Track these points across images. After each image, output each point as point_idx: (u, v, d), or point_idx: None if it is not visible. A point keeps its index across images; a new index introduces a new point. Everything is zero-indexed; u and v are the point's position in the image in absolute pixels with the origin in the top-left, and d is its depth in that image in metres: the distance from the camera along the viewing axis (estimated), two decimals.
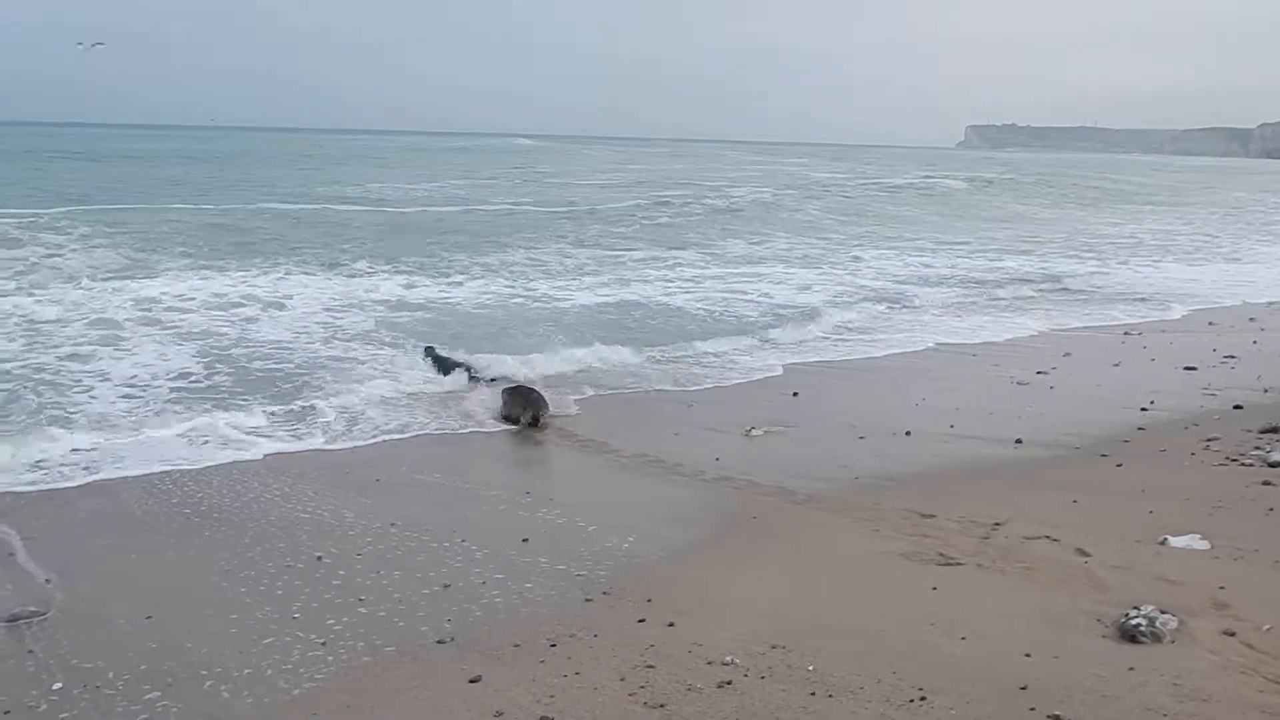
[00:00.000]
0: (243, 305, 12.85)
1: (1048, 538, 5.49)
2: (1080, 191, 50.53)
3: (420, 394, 8.88)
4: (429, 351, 9.94)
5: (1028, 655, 4.16)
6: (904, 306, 14.74)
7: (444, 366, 9.45)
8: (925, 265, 19.74)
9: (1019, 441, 7.59)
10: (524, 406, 7.98)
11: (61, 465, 6.84)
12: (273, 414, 8.14)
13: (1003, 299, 15.66)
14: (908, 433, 7.83)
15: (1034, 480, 6.67)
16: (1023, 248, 23.62)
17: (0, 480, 6.49)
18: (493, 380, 9.00)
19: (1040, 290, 16.72)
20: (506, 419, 8.07)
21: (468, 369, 9.34)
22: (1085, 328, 13.15)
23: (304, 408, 8.36)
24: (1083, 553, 5.26)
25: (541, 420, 7.87)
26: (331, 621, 4.59)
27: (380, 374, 9.44)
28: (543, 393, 8.23)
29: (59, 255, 16.64)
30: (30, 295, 12.94)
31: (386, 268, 16.72)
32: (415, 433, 7.90)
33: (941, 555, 5.30)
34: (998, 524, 5.73)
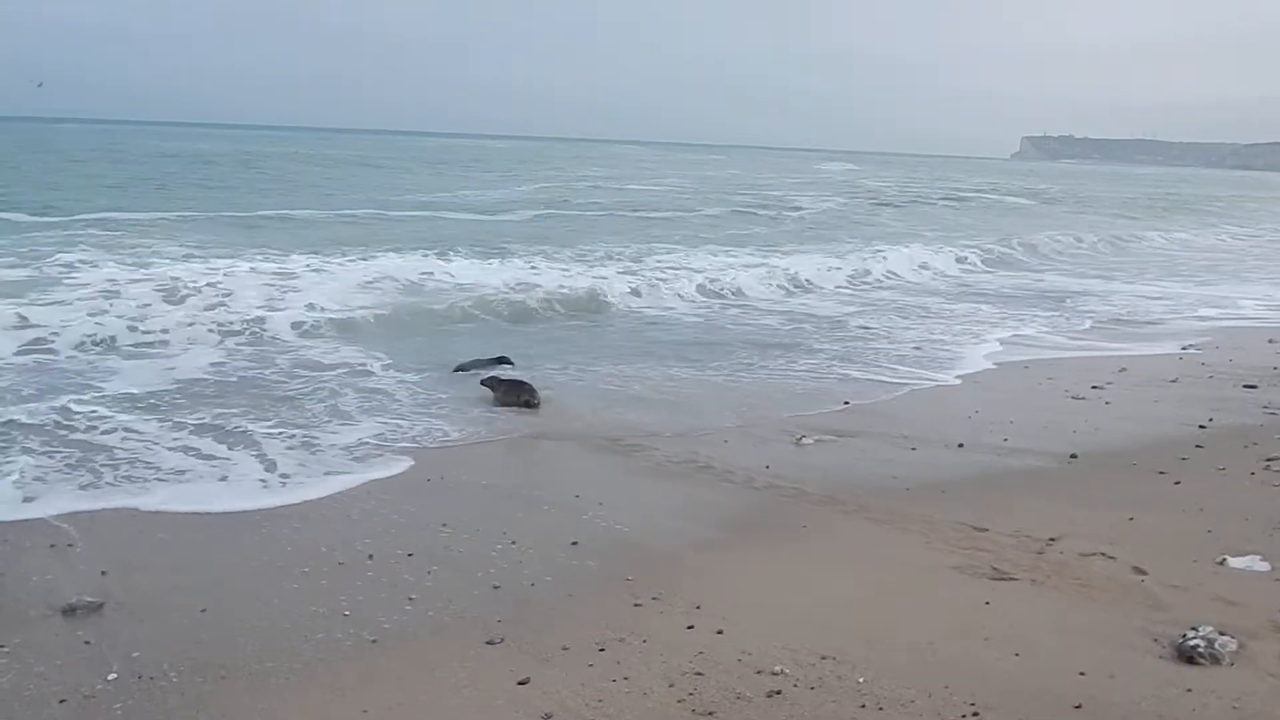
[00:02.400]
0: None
1: (1103, 554, 5.40)
2: (1148, 204, 50.13)
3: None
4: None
5: (1082, 674, 4.09)
6: (954, 317, 14.58)
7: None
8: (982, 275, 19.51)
9: (1074, 456, 7.46)
10: (516, 394, 8.91)
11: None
12: None
13: (1049, 313, 15.40)
14: (960, 445, 7.74)
15: (1089, 496, 6.55)
16: (1083, 258, 23.24)
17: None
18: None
19: (1094, 304, 16.45)
20: (502, 403, 8.86)
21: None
22: (1142, 343, 12.89)
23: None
24: (1139, 571, 5.16)
25: (533, 403, 8.81)
26: (382, 619, 4.64)
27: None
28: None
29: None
30: None
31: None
32: (464, 435, 7.97)
33: (994, 569, 5.23)
34: (1052, 539, 5.65)
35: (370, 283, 14.81)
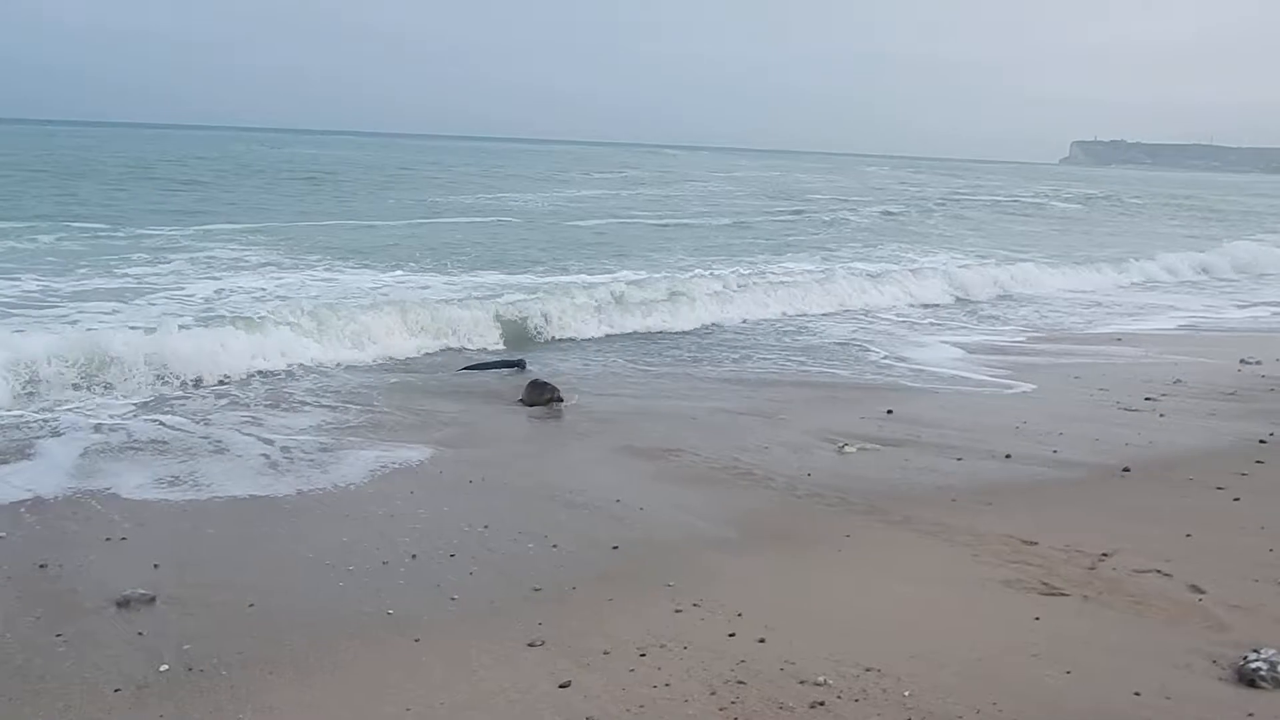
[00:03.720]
0: None
1: (1159, 572, 5.26)
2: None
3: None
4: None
5: (1137, 694, 3.98)
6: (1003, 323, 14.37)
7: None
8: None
9: (1127, 470, 7.29)
10: (541, 392, 9.12)
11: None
12: None
13: (1108, 324, 15.13)
14: (1007, 456, 7.60)
15: (1144, 511, 6.39)
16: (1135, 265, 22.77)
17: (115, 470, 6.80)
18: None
19: (1151, 315, 16.13)
20: (527, 402, 9.10)
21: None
22: (1197, 354, 12.60)
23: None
24: (1197, 589, 5.02)
25: (557, 399, 9.03)
26: (425, 619, 4.66)
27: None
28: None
29: None
30: None
31: None
32: (507, 435, 8.00)
33: (1044, 584, 5.12)
34: (1105, 554, 5.51)
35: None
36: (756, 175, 68.50)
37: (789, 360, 11.74)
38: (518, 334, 12.32)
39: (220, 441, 7.57)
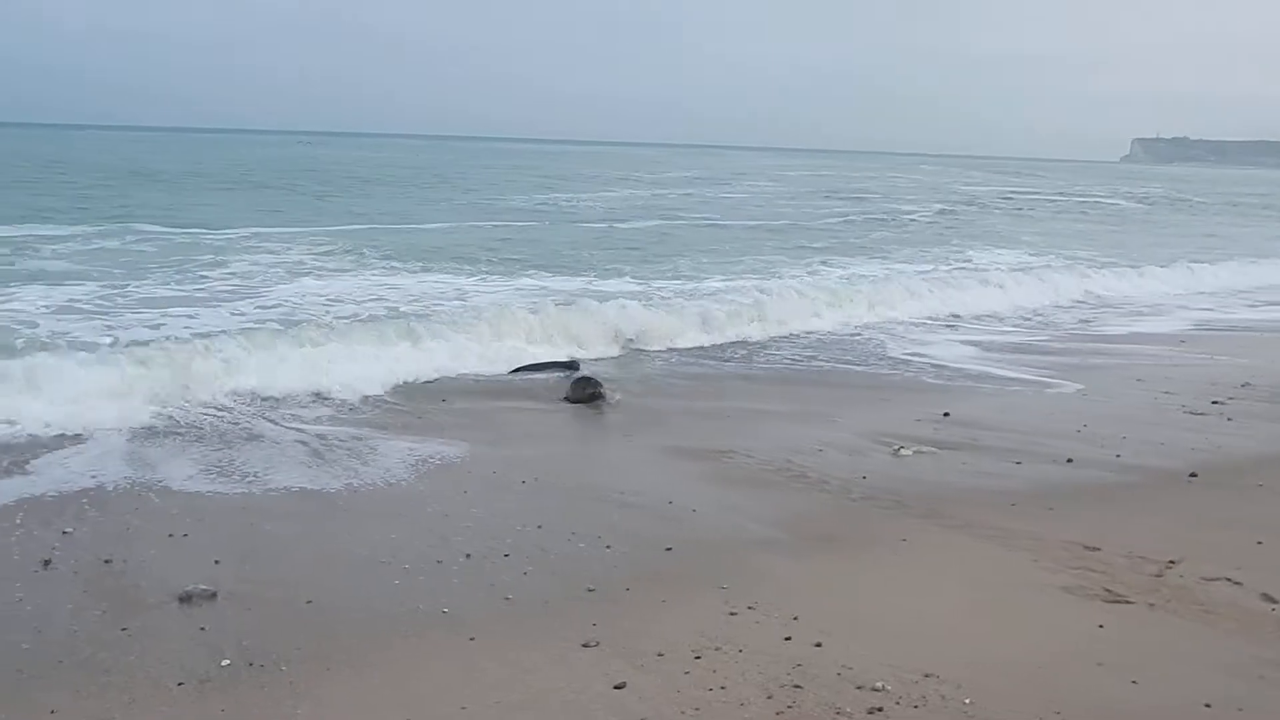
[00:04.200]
0: None
1: (1229, 580, 5.10)
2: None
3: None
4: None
5: (1208, 706, 3.86)
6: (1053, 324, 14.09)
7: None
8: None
9: (1193, 475, 7.10)
10: (584, 388, 9.16)
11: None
12: None
13: (1174, 329, 14.77)
14: (1069, 460, 7.44)
15: (1212, 517, 6.22)
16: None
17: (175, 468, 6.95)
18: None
19: (1212, 317, 15.72)
20: (571, 399, 9.10)
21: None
22: (1268, 356, 12.24)
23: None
24: (1269, 599, 4.87)
25: (599, 395, 9.03)
26: (480, 619, 4.68)
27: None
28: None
29: None
30: None
31: None
32: (558, 434, 8.03)
33: (1108, 591, 5.00)
34: (1171, 562, 5.37)
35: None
36: (807, 176, 68.14)
37: (838, 363, 11.61)
38: (618, 342, 12.00)
39: (257, 433, 7.78)
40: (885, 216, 35.63)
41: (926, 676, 4.09)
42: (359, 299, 14.53)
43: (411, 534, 5.78)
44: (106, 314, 12.58)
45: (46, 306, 12.75)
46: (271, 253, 19.32)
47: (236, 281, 15.77)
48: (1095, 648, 4.39)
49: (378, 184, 44.02)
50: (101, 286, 14.40)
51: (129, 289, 14.47)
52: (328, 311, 13.18)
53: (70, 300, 13.29)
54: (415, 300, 14.49)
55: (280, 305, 13.87)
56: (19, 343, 10.19)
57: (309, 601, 4.86)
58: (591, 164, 76.30)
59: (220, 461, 7.07)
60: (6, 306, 12.68)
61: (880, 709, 3.84)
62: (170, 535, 5.70)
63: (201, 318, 12.56)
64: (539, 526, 5.89)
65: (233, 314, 12.99)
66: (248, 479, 6.72)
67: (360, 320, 12.22)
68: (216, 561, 5.32)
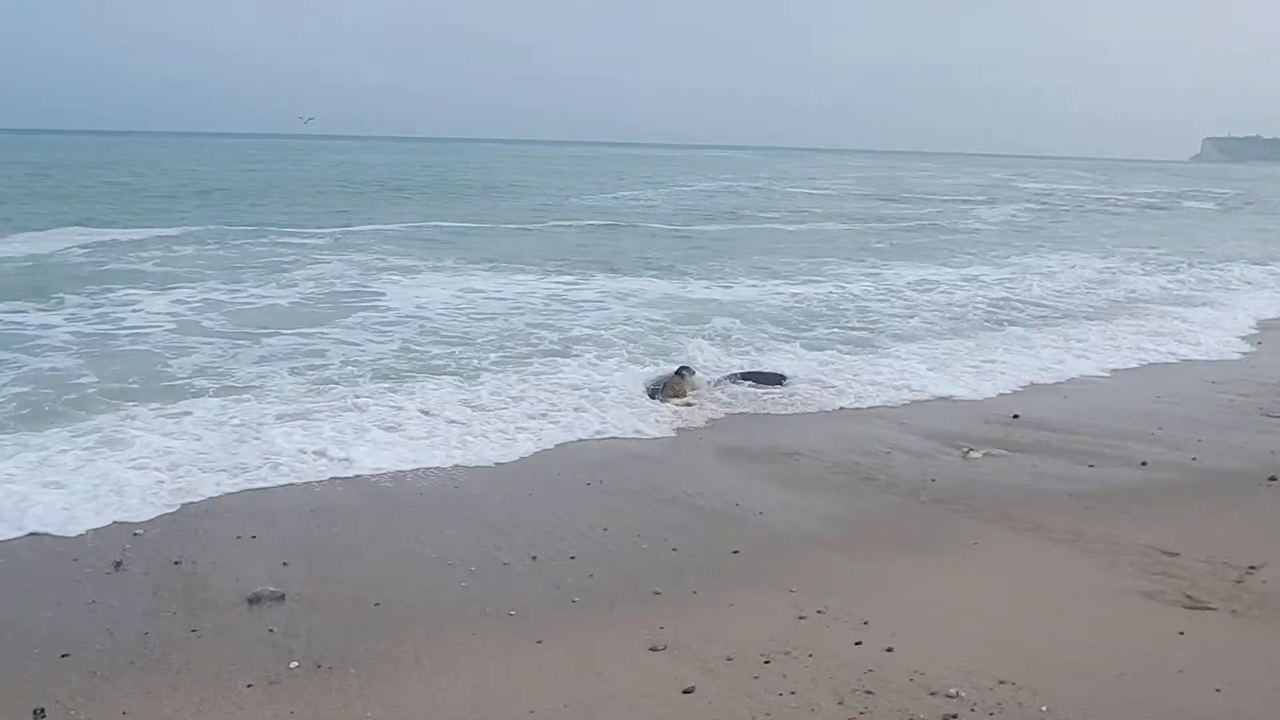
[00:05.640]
0: None
1: None
2: None
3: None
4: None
5: None
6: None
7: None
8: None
9: (1273, 479, 6.87)
10: (673, 386, 9.18)
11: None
12: None
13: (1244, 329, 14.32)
14: (1143, 463, 7.25)
15: None
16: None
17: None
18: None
19: None
20: (651, 394, 9.12)
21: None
22: None
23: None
24: None
25: (681, 392, 9.10)
26: (547, 621, 4.69)
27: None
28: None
29: None
30: None
31: None
32: (627, 436, 8.02)
33: (1188, 597, 4.86)
34: (1253, 567, 5.20)
35: None
36: (875, 175, 67.33)
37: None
38: None
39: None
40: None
41: (1001, 683, 4.01)
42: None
43: (478, 535, 5.81)
44: None
45: None
46: None
47: None
48: (1176, 655, 4.27)
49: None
50: None
51: None
52: None
53: None
54: None
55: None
56: None
57: (376, 604, 4.91)
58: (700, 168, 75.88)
59: None
60: None
61: (955, 716, 3.77)
62: (238, 537, 5.79)
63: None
64: (605, 529, 5.89)
65: None
66: None
67: None
68: (285, 563, 5.39)
